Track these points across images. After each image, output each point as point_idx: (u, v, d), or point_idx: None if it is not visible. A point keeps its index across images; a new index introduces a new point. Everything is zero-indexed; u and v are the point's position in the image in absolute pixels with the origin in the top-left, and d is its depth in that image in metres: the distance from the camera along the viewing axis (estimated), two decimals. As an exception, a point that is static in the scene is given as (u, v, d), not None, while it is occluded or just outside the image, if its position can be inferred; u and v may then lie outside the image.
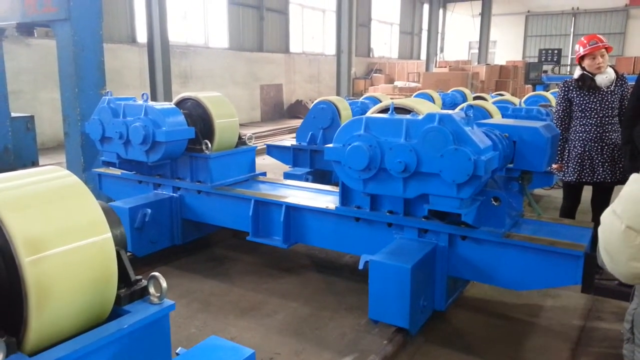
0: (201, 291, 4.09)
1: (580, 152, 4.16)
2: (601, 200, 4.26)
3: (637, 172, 3.65)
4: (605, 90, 4.09)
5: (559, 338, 3.43)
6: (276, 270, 4.49)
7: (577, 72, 4.25)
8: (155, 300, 1.79)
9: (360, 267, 3.38)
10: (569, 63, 21.92)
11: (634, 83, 3.65)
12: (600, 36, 4.24)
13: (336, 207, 3.85)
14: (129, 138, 4.31)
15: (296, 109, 18.49)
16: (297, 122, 11.61)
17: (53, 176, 1.75)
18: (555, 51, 19.89)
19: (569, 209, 4.40)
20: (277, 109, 18.66)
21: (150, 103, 4.36)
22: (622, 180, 4.00)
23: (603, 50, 4.09)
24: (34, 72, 11.14)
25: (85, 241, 1.61)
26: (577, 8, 28.03)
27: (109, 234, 1.68)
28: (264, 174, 5.02)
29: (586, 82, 4.13)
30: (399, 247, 3.42)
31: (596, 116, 4.09)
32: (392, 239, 3.60)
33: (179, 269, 4.50)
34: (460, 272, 3.51)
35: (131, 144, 4.33)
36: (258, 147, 5.79)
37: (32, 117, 7.51)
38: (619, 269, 1.49)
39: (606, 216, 1.51)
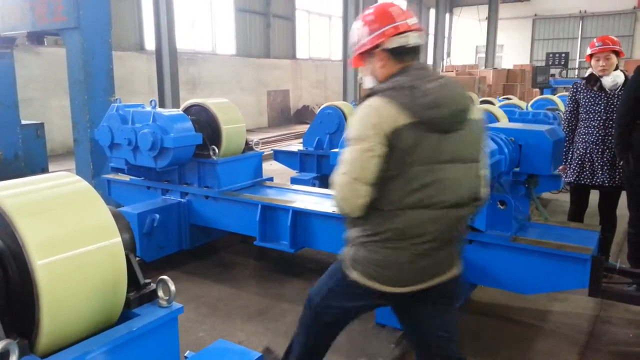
0: (209, 296, 4.11)
1: (581, 153, 4.15)
2: (608, 204, 4.24)
3: None
4: (611, 93, 4.08)
5: (566, 342, 3.42)
6: (283, 275, 4.51)
7: (588, 71, 4.26)
8: (164, 303, 1.82)
9: (367, 271, 3.38)
10: (576, 66, 21.87)
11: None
12: (614, 38, 4.20)
13: (343, 212, 3.86)
14: (137, 144, 4.35)
15: (303, 115, 18.55)
16: (304, 128, 11.65)
17: (64, 182, 1.78)
18: (563, 54, 19.85)
19: (577, 212, 4.39)
20: (284, 115, 18.73)
21: (158, 110, 4.41)
22: (621, 185, 3.98)
23: (608, 53, 4.07)
24: (44, 80, 11.27)
25: (96, 245, 1.64)
26: (585, 11, 27.92)
27: (119, 238, 1.71)
28: (271, 179, 5.05)
29: (592, 81, 4.14)
30: (406, 251, 3.43)
31: (599, 118, 4.08)
32: (398, 243, 3.60)
33: (187, 274, 4.53)
34: (467, 276, 3.51)
35: (139, 150, 4.38)
36: (265, 153, 5.83)
37: (42, 125, 7.58)
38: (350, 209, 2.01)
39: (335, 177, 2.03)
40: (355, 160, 1.94)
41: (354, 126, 1.99)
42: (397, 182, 1.95)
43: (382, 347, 3.27)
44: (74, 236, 1.60)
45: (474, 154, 2.07)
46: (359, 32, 2.13)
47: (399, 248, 2.00)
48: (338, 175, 2.01)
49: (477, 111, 2.10)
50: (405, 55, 2.07)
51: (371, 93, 2.02)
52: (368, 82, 2.17)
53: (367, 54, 2.13)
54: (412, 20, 2.09)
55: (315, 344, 2.40)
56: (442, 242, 2.04)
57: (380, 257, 2.03)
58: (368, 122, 1.93)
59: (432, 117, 1.92)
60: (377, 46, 2.07)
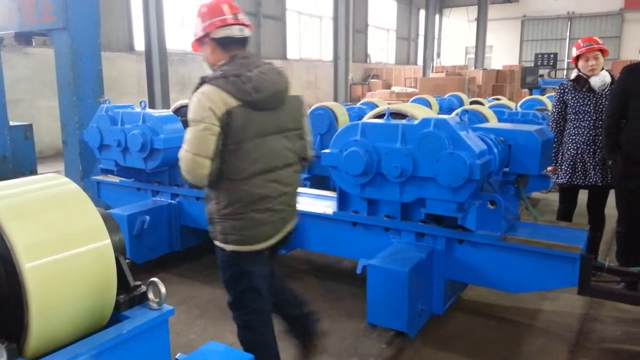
0: (201, 297, 4.10)
1: (572, 154, 4.19)
2: (596, 203, 4.28)
3: (633, 177, 3.71)
4: (599, 93, 4.12)
5: (556, 340, 3.44)
6: (275, 276, 4.50)
7: (574, 74, 4.30)
8: (155, 305, 1.81)
9: (358, 271, 3.40)
10: (565, 67, 22.06)
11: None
12: (598, 39, 4.26)
13: (334, 212, 3.87)
14: (127, 145, 4.33)
15: (294, 115, 18.52)
16: (295, 128, 11.64)
17: (52, 184, 1.77)
18: (552, 55, 20.01)
19: (565, 212, 4.42)
20: (275, 116, 18.70)
21: (148, 110, 4.39)
22: (613, 185, 4.02)
23: (597, 53, 4.12)
24: (32, 80, 11.16)
25: (85, 247, 1.63)
26: (573, 12, 28.17)
27: (108, 241, 1.69)
28: (262, 180, 5.04)
29: (580, 83, 4.18)
30: (397, 251, 3.44)
31: (589, 119, 4.11)
32: (389, 243, 3.62)
33: (178, 276, 4.51)
34: (457, 276, 3.53)
35: (129, 152, 4.35)
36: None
37: (30, 126, 7.52)
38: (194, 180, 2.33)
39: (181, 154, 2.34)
40: (195, 139, 2.27)
41: (192, 111, 2.30)
42: (238, 154, 2.31)
43: (374, 347, 3.28)
44: (63, 238, 1.59)
45: (295, 124, 2.54)
46: (196, 22, 2.46)
47: (254, 210, 2.36)
48: (182, 152, 2.34)
49: (295, 89, 2.55)
50: (232, 45, 2.41)
51: (203, 82, 2.35)
52: (206, 67, 2.51)
53: (200, 42, 2.46)
54: (241, 16, 2.43)
55: (267, 344, 2.61)
56: (285, 198, 2.49)
57: (242, 222, 2.37)
58: (204, 105, 2.26)
59: (255, 99, 2.30)
60: (206, 35, 2.40)
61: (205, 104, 2.25)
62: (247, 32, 2.45)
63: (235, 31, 2.39)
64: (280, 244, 2.59)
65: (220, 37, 2.38)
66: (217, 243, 2.48)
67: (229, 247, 2.43)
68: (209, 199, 2.48)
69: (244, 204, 2.36)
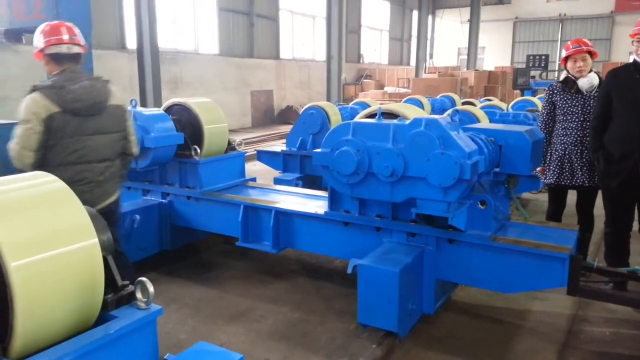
0: (190, 297, 4.08)
1: (560, 154, 4.21)
2: (585, 204, 4.31)
3: (614, 175, 3.80)
4: (587, 94, 4.15)
5: (545, 340, 3.46)
6: (266, 276, 4.50)
7: (563, 75, 4.33)
8: (142, 305, 1.80)
9: (349, 271, 3.40)
10: (556, 69, 22.19)
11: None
12: (587, 41, 4.29)
13: (325, 212, 3.87)
14: (117, 144, 4.30)
15: (287, 115, 18.51)
16: (287, 128, 11.65)
17: (40, 182, 1.76)
18: (543, 57, 20.16)
19: (555, 212, 4.45)
20: (267, 115, 18.67)
21: (139, 109, 4.36)
22: (599, 185, 4.05)
23: (585, 54, 4.14)
24: (22, 78, 11.02)
25: (72, 246, 1.62)
26: (564, 14, 28.36)
27: (96, 239, 1.68)
28: (254, 179, 5.03)
29: (569, 84, 4.21)
30: (387, 251, 3.45)
31: (577, 120, 4.14)
32: (380, 243, 3.62)
33: (168, 275, 4.48)
34: (448, 276, 3.54)
35: (120, 150, 4.32)
36: (248, 153, 5.80)
37: (20, 124, 7.45)
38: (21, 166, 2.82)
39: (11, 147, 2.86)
40: (22, 135, 2.82)
41: (22, 112, 2.82)
42: (56, 149, 2.87)
43: (364, 347, 3.27)
44: (49, 237, 1.58)
45: (115, 127, 3.11)
46: (36, 36, 2.98)
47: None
48: (12, 145, 2.86)
49: (117, 99, 3.12)
50: (63, 60, 2.95)
51: (34, 89, 2.84)
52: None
53: (39, 54, 2.98)
54: (73, 37, 2.97)
55: None
56: (96, 183, 3.02)
57: None
58: (30, 110, 2.79)
59: (73, 108, 2.86)
60: (42, 50, 2.94)
61: (32, 108, 2.79)
62: (75, 50, 2.97)
63: (64, 49, 2.93)
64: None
65: (52, 52, 2.93)
66: None
67: None
68: None
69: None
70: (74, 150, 2.90)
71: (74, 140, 2.90)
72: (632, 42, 3.65)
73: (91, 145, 2.97)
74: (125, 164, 3.32)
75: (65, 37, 2.94)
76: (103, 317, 1.74)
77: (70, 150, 2.89)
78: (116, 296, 1.80)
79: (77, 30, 3.03)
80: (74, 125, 2.89)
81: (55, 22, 3.06)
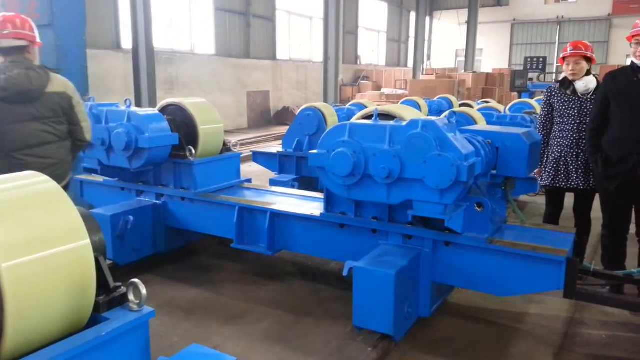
0: (185, 299, 4.05)
1: (556, 157, 4.21)
2: (582, 207, 4.30)
3: (612, 178, 3.80)
4: (584, 97, 4.14)
5: (542, 343, 3.45)
6: (261, 278, 4.47)
7: (562, 74, 4.33)
8: (135, 307, 1.78)
9: (345, 273, 3.38)
10: (554, 71, 22.23)
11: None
12: (588, 44, 4.26)
13: (321, 214, 3.85)
14: (111, 144, 4.27)
15: (283, 116, 18.49)
16: (284, 129, 11.62)
17: (31, 182, 1.74)
18: (541, 59, 20.20)
19: (552, 215, 4.44)
20: (264, 116, 18.65)
21: (133, 109, 4.33)
22: (595, 188, 4.05)
23: (579, 58, 4.13)
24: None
25: (64, 247, 1.60)
26: (562, 17, 28.47)
27: (88, 241, 1.66)
28: (249, 180, 5.01)
29: (565, 84, 4.21)
30: (383, 253, 3.43)
31: (573, 122, 4.14)
32: (376, 245, 3.60)
33: (162, 277, 4.45)
34: (444, 278, 3.53)
35: (113, 150, 4.30)
36: (244, 154, 5.77)
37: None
38: None
39: None
40: None
41: None
42: None
43: (359, 350, 3.25)
44: (41, 238, 1.56)
45: (53, 113, 3.30)
46: None
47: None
48: None
49: (58, 87, 3.32)
50: (4, 53, 3.23)
51: None
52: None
53: None
54: (9, 30, 3.18)
55: None
56: (39, 166, 3.09)
57: None
58: None
59: (1, 96, 3.13)
60: None
61: None
62: (16, 43, 3.21)
63: (3, 43, 3.20)
64: None
65: None
66: None
67: None
68: None
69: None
70: (14, 136, 3.16)
71: (11, 127, 3.16)
72: (630, 44, 3.65)
73: (29, 131, 3.20)
74: (74, 149, 3.54)
75: (6, 31, 3.17)
76: (95, 319, 1.72)
77: (10, 136, 3.16)
78: (108, 298, 1.78)
79: (27, 24, 3.27)
80: (8, 113, 3.16)
81: (3, 15, 3.27)
